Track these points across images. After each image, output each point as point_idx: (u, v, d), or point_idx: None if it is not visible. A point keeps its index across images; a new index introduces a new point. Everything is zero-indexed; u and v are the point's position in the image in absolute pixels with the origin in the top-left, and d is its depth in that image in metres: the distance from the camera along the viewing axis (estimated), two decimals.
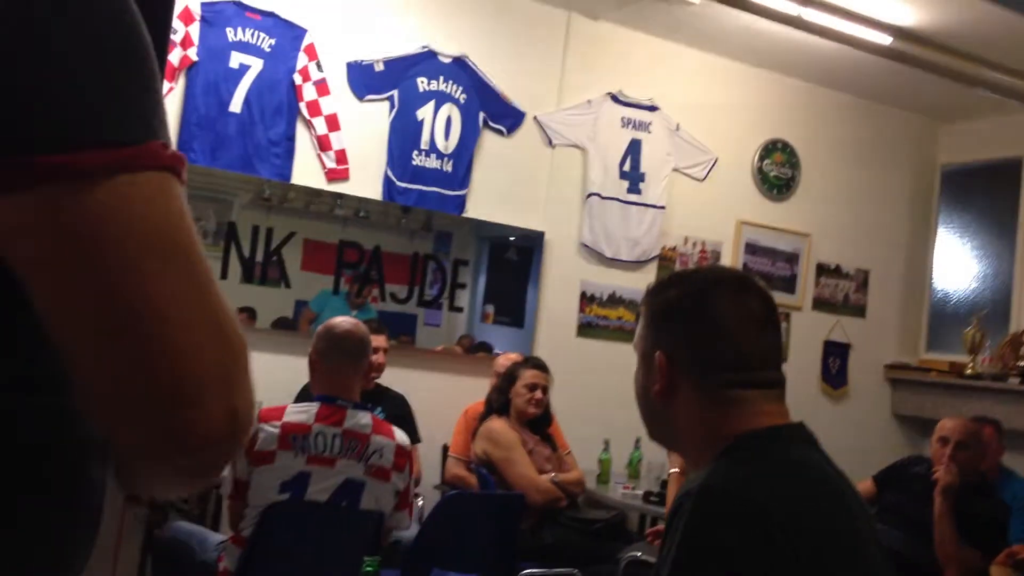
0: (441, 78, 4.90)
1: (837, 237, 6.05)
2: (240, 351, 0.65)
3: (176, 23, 4.25)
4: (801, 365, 5.82)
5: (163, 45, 2.15)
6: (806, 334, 5.93)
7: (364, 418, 2.90)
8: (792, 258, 5.91)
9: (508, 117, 5.08)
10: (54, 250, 0.59)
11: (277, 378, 3.83)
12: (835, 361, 6.04)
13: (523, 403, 4.16)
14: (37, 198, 0.58)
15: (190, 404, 0.61)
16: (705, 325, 1.39)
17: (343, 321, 3.02)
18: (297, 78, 4.54)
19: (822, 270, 6.02)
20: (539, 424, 4.26)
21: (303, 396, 3.71)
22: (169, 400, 0.61)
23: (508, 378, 4.24)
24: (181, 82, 4.32)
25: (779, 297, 5.71)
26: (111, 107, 0.61)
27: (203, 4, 4.35)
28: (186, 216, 0.64)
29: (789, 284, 5.89)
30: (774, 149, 5.86)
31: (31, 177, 0.58)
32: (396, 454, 2.91)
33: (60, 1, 0.60)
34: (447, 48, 4.92)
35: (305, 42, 4.56)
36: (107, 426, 0.63)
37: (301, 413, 2.85)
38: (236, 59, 4.42)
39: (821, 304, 6.02)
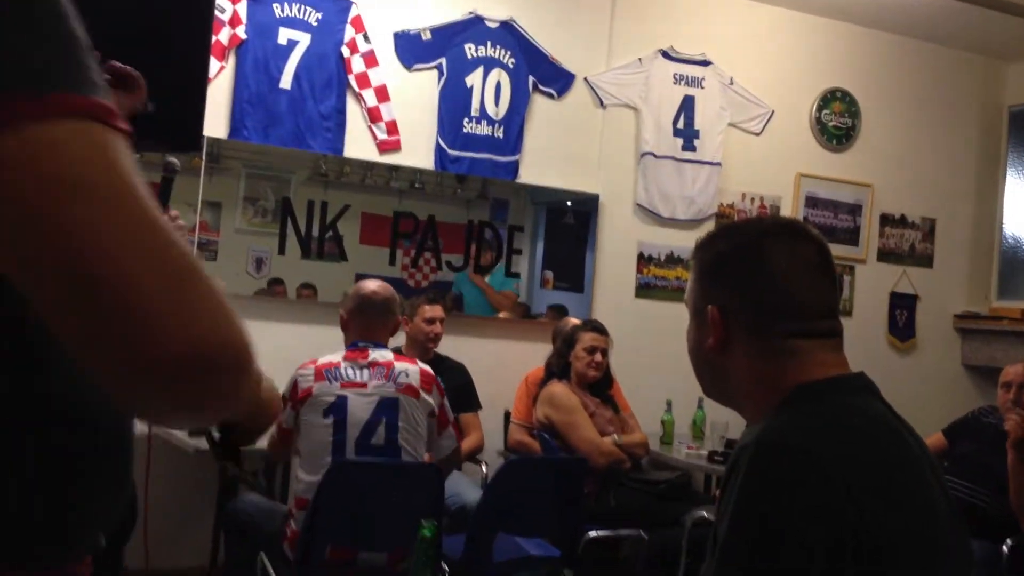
0: (489, 43, 4.86)
1: (901, 186, 5.89)
2: (192, 276, 0.64)
3: (223, 2, 4.27)
4: (867, 318, 5.71)
5: (208, 24, 2.16)
6: (871, 287, 5.81)
7: (386, 352, 3.19)
8: (854, 209, 5.77)
9: (558, 80, 5.03)
10: None
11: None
12: (902, 313, 5.91)
13: (583, 366, 4.15)
14: None
15: (143, 338, 0.61)
16: (757, 275, 1.36)
17: (370, 282, 3.31)
18: (345, 51, 4.55)
19: (886, 220, 5.88)
20: (600, 387, 4.24)
21: None
22: (123, 337, 0.61)
23: (567, 342, 4.23)
24: (231, 61, 4.35)
25: (842, 250, 5.61)
26: (32, 53, 0.62)
27: None
28: (108, 154, 0.63)
29: (852, 236, 5.76)
30: (833, 98, 5.72)
31: None
32: (422, 376, 3.16)
33: None
34: (493, 13, 4.88)
35: (351, 14, 4.56)
36: (87, 368, 0.63)
37: (330, 356, 3.13)
38: (284, 35, 4.43)
39: (886, 255, 5.88)
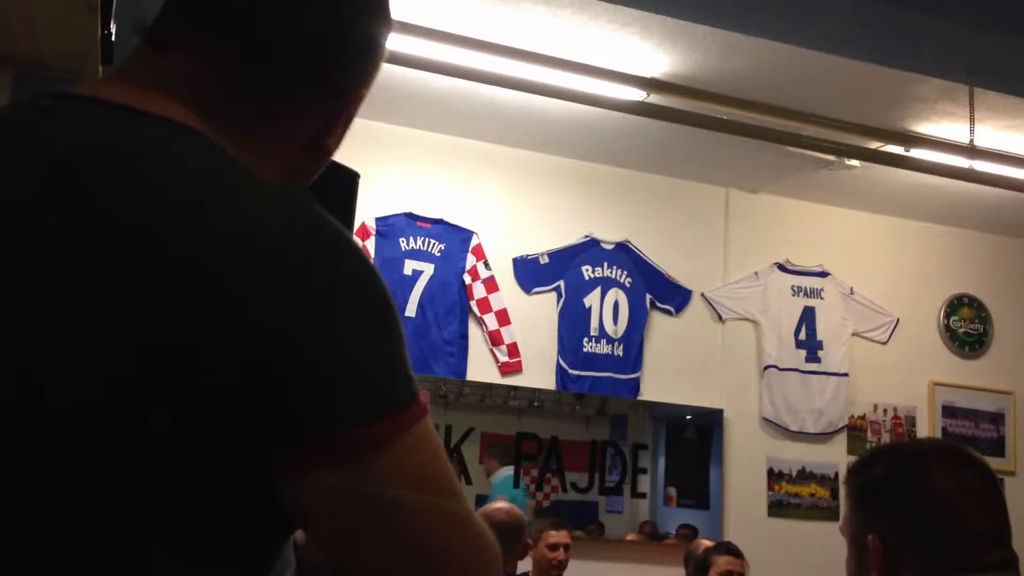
0: (605, 264, 4.98)
1: None
2: (495, 551, 0.76)
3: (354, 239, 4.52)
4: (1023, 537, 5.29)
5: None
6: None
7: None
8: (996, 418, 5.49)
9: (675, 297, 5.08)
10: (346, 504, 0.69)
11: None
12: None
13: None
14: (342, 468, 0.68)
15: None
16: (919, 503, 1.29)
17: (500, 508, 3.26)
18: (467, 278, 4.71)
19: None
20: None
21: None
22: None
23: (701, 566, 4.03)
24: None
25: (988, 462, 5.29)
26: (393, 379, 0.71)
27: (377, 219, 4.63)
28: (440, 448, 0.73)
29: (997, 447, 5.45)
30: (960, 305, 5.58)
31: (338, 452, 0.67)
32: None
33: (332, 301, 0.70)
34: (609, 235, 5.02)
35: (472, 243, 4.76)
36: None
37: None
38: (409, 266, 4.64)
39: None
